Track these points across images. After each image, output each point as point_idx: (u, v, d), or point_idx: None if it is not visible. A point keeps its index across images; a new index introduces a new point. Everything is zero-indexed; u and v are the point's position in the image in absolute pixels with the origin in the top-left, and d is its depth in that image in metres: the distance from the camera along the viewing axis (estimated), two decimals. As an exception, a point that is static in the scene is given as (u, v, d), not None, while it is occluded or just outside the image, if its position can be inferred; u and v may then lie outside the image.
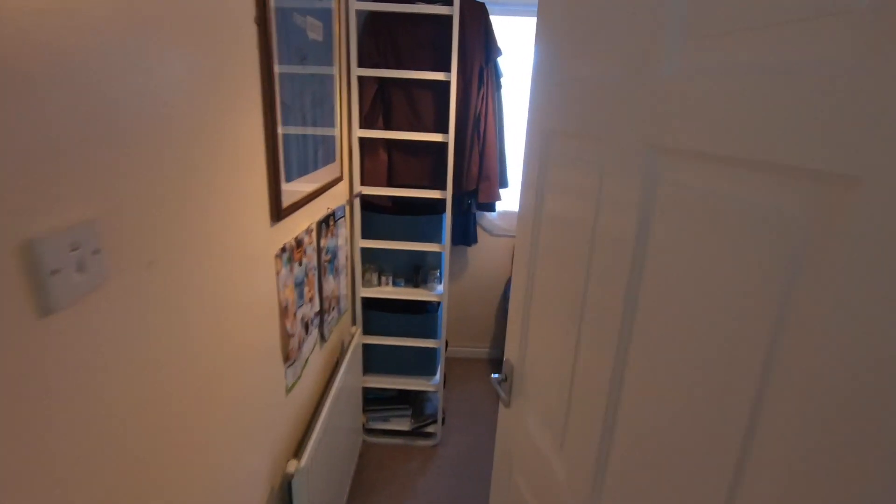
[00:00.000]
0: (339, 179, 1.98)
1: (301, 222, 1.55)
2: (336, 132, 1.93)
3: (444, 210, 2.39)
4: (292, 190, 1.43)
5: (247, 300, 1.17)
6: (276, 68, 1.25)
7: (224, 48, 1.01)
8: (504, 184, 2.60)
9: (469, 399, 3.01)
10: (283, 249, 1.38)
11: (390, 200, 2.39)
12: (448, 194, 2.22)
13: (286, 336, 1.44)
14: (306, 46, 1.51)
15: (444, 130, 2.23)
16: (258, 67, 1.17)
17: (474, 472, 2.41)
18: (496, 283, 3.37)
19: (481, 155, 2.35)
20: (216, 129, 0.99)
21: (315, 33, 1.61)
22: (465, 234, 3.13)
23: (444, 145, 2.32)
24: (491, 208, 2.63)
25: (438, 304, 2.54)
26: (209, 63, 0.95)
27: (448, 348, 3.51)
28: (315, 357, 1.79)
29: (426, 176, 2.32)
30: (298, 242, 1.51)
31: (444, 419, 2.73)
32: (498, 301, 3.42)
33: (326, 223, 1.81)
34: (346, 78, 2.08)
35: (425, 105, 2.21)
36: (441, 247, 2.31)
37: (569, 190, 0.97)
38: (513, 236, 3.28)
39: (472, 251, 3.30)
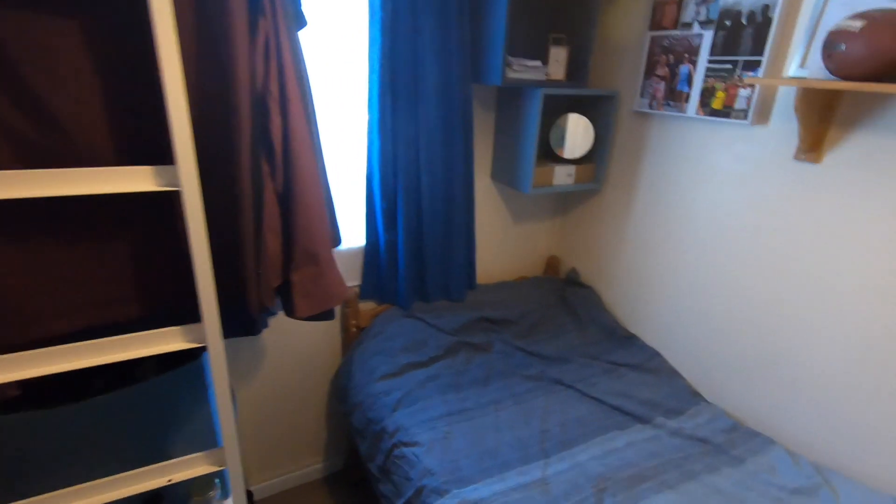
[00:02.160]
0: None
1: None
2: None
3: (197, 353, 0.93)
4: None
5: None
6: None
7: None
8: (336, 241, 1.23)
9: None
10: None
11: (17, 384, 0.76)
12: (208, 328, 0.77)
13: None
14: None
15: (154, 153, 0.72)
16: None
17: None
18: (317, 368, 2.01)
19: (287, 201, 0.91)
20: None
21: None
22: (244, 318, 1.64)
23: (159, 199, 0.80)
24: (325, 317, 1.21)
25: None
26: None
27: (254, 497, 2.04)
28: None
29: (116, 290, 0.78)
30: None
31: None
32: (325, 395, 2.08)
33: None
34: None
35: (64, 76, 0.66)
36: (210, 459, 0.87)
37: None
38: (337, 292, 1.93)
39: (265, 337, 1.85)
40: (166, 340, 0.76)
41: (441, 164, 1.81)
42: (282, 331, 1.86)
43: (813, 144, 1.34)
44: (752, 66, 1.44)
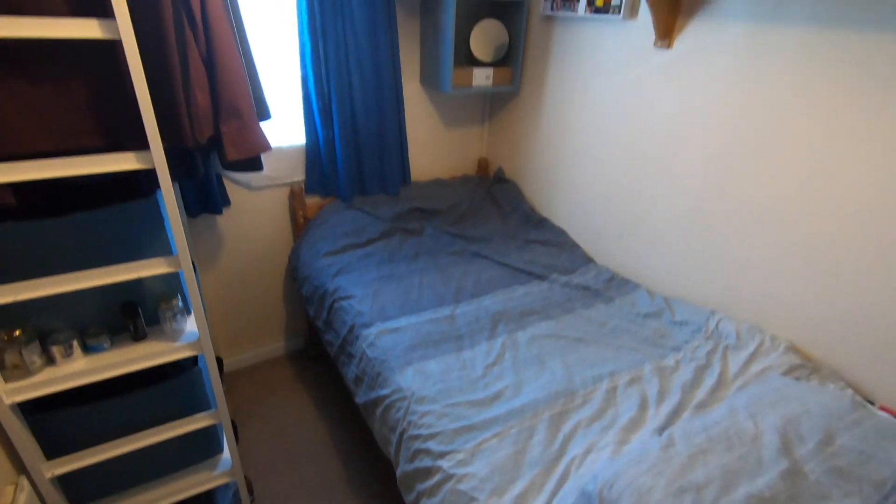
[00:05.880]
0: None
1: None
2: None
3: (152, 188, 1.19)
4: None
5: None
6: None
7: None
8: (265, 114, 1.47)
9: (281, 436, 2.07)
10: None
11: (11, 193, 1.01)
12: (155, 155, 1.03)
13: None
14: None
15: (100, 10, 0.96)
16: None
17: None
18: (273, 255, 2.30)
19: (211, 65, 1.16)
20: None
21: None
22: (208, 198, 1.90)
23: (108, 48, 1.04)
24: (254, 165, 1.48)
25: (195, 359, 1.41)
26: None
27: (224, 367, 2.38)
28: None
29: (84, 122, 1.03)
30: None
31: (252, 494, 1.77)
32: (282, 280, 2.38)
33: None
34: None
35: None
36: (169, 263, 1.16)
37: None
38: (286, 184, 2.19)
39: (224, 219, 2.11)
40: (123, 162, 1.03)
41: (370, 65, 2.03)
42: (237, 223, 2.13)
43: (664, 32, 1.61)
44: (624, -35, 1.67)
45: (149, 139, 1.01)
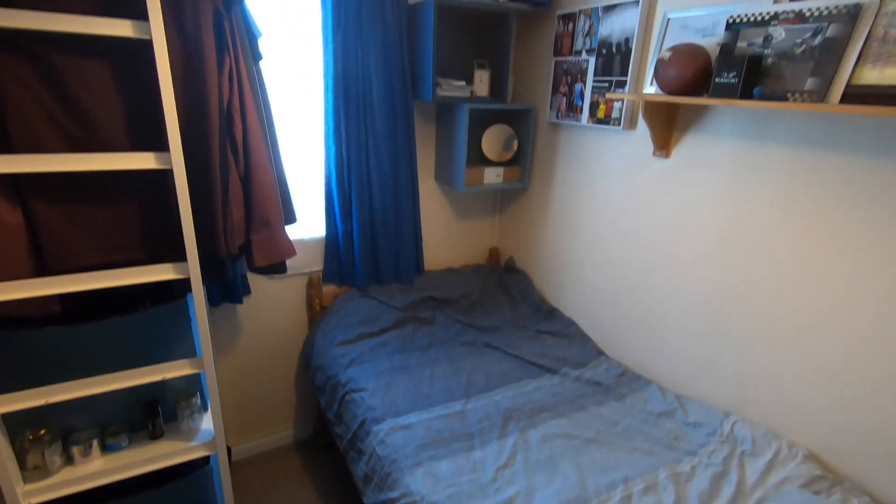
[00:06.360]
0: None
1: None
2: None
3: (184, 292, 1.28)
4: None
5: None
6: None
7: None
8: (291, 219, 1.58)
9: (283, 535, 1.99)
10: None
11: (58, 301, 1.11)
12: (191, 266, 1.12)
13: None
14: None
15: (155, 144, 1.09)
16: None
17: None
18: (288, 342, 2.35)
19: (247, 182, 1.29)
20: None
21: None
22: (230, 289, 1.99)
23: (159, 177, 1.17)
24: (278, 269, 1.58)
25: (207, 457, 1.43)
26: None
27: (232, 456, 2.35)
28: None
29: (129, 238, 1.14)
30: None
31: None
32: (295, 367, 2.41)
33: None
34: None
35: (96, 93, 1.02)
36: (193, 364, 1.21)
37: None
38: (304, 274, 2.28)
39: (244, 306, 2.19)
40: (162, 272, 1.12)
41: (388, 166, 2.19)
42: (256, 310, 2.20)
43: (662, 144, 1.74)
44: (622, 84, 1.85)
45: (187, 252, 1.10)
